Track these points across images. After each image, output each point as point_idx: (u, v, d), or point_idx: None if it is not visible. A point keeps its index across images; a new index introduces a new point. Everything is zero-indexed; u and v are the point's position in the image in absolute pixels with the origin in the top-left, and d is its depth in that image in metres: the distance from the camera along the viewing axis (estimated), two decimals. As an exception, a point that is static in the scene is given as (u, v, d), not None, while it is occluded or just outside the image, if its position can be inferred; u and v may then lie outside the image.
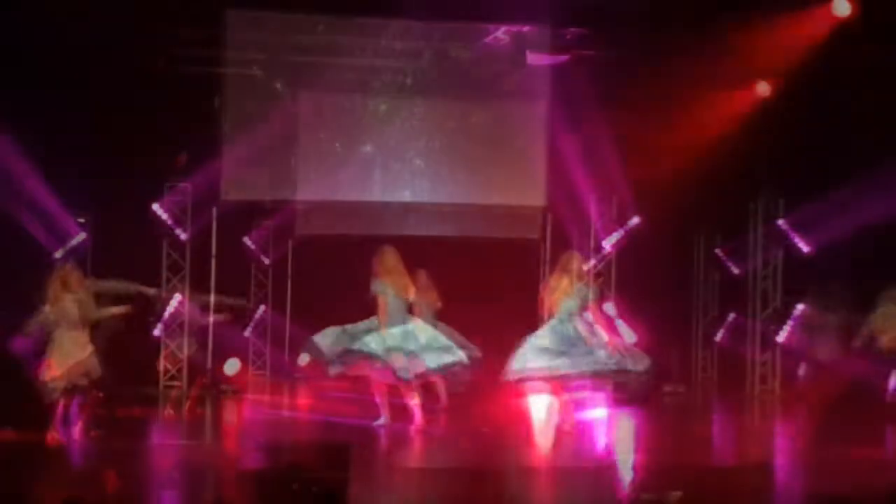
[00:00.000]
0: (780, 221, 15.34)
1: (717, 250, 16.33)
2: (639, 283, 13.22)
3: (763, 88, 14.26)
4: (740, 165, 14.50)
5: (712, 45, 12.80)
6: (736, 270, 15.79)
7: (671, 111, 13.90)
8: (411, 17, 13.07)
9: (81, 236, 13.50)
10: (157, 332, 14.01)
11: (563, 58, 12.84)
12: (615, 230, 14.83)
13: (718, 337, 16.13)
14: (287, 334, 15.82)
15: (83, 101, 12.82)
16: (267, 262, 16.06)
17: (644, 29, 12.81)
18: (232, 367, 14.61)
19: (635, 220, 14.71)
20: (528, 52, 12.81)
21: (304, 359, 14.45)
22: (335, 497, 5.37)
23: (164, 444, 11.47)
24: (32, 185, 12.85)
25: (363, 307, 12.20)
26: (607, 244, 14.81)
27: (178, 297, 14.05)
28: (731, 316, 15.64)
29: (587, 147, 14.36)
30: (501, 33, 13.17)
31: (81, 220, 13.62)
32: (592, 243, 14.87)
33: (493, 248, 14.99)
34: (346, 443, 9.13)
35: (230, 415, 13.47)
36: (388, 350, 11.07)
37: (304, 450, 8.98)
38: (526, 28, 12.81)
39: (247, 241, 15.74)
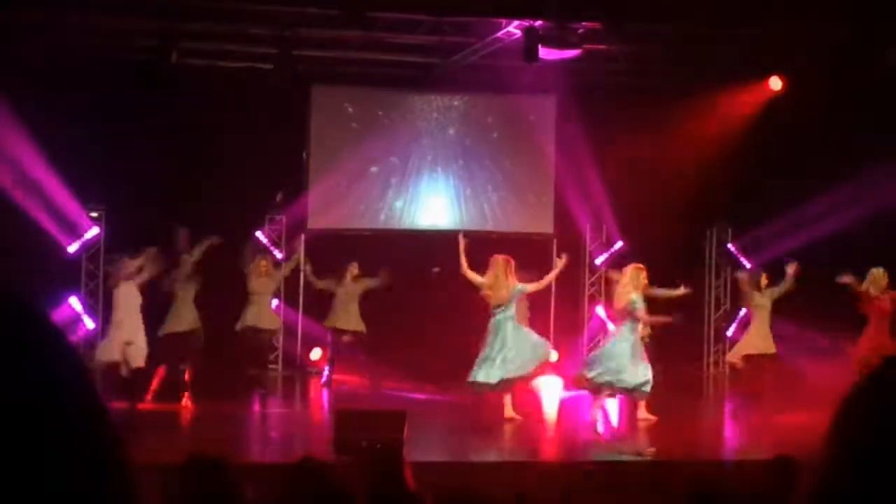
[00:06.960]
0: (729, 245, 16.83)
1: (730, 245, 16.53)
2: (651, 278, 12.91)
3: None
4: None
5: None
6: (748, 265, 15.60)
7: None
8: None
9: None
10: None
11: (575, 53, 12.88)
12: (604, 252, 16.27)
13: (730, 332, 16.10)
14: (300, 328, 15.84)
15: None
16: (280, 256, 15.58)
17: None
18: (315, 353, 15.54)
19: (620, 245, 16.04)
20: (540, 48, 12.55)
21: (316, 353, 15.55)
22: (353, 498, 5.15)
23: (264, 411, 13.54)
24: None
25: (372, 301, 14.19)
26: (598, 262, 16.28)
27: (275, 301, 14.93)
28: (743, 310, 14.93)
29: (583, 181, 15.90)
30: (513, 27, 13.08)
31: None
32: (588, 260, 16.43)
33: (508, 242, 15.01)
34: (402, 410, 10.44)
35: (314, 389, 15.15)
36: None
37: (369, 416, 10.40)
38: (538, 23, 12.61)
39: (259, 235, 15.51)
